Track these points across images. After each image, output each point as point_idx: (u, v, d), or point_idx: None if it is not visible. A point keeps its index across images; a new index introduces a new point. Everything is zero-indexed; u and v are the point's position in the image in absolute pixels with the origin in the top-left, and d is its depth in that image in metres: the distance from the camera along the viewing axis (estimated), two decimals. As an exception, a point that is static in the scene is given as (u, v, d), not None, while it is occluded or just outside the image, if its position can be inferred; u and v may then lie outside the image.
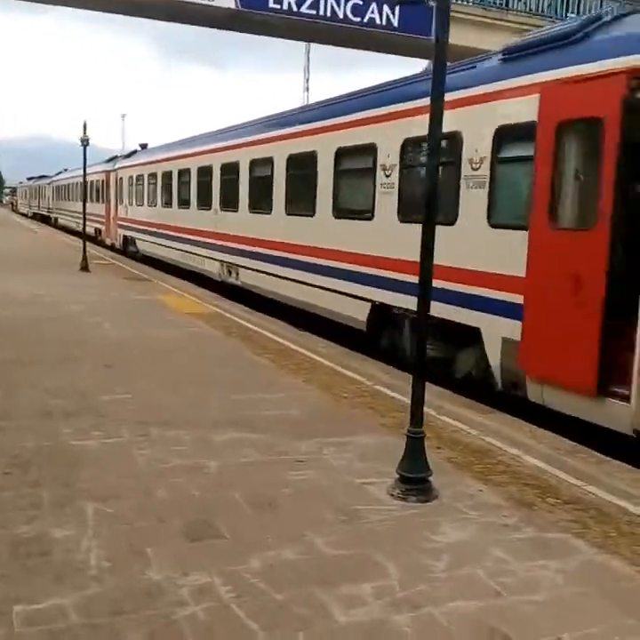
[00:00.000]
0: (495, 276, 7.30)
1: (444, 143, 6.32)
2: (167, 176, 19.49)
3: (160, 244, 20.32)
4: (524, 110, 6.93)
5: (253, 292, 13.99)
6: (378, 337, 9.77)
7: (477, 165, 7.60)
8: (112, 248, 26.85)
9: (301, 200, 11.69)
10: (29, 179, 70.36)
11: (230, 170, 14.74)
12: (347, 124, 10.46)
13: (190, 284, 16.85)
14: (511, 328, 6.97)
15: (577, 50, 6.57)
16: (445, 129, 4.73)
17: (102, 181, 28.57)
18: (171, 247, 19.33)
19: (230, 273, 15.19)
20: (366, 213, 9.81)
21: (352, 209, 10.45)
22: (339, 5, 22.45)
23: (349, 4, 22.58)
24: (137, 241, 23.54)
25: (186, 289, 15.73)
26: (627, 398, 5.73)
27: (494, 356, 7.34)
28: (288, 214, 12.26)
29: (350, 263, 10.14)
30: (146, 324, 10.62)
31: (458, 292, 7.77)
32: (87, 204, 24.03)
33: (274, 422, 5.98)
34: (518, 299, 6.86)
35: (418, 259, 4.66)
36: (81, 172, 21.46)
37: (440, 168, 5.08)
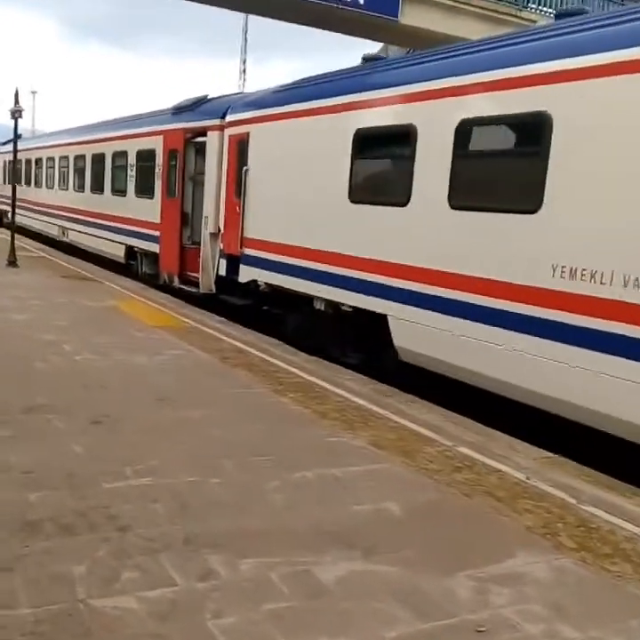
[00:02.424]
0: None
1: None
2: (28, 163, 25.73)
3: (26, 216, 25.16)
4: (151, 142, 14.83)
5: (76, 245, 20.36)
6: (128, 264, 16.50)
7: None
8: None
9: (96, 184, 18.43)
10: None
11: (63, 161, 21.50)
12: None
13: (140, 284, 14.55)
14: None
15: (176, 117, 14.15)
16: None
17: None
18: (29, 216, 25.15)
19: (63, 233, 21.52)
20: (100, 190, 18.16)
21: (92, 187, 18.87)
22: (303, -23, 20.46)
23: (314, -23, 20.61)
24: (10, 214, 29.18)
25: (136, 291, 13.42)
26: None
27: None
28: (92, 193, 18.86)
29: (112, 222, 17.14)
30: (116, 345, 8.36)
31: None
32: None
33: (380, 531, 4.02)
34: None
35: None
36: None
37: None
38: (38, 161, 24.46)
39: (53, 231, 22.50)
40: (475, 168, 7.38)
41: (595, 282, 5.82)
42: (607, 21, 6.24)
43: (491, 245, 6.88)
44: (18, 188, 26.71)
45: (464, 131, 7.22)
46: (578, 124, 6.08)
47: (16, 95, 15.01)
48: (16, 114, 15.06)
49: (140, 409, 6.00)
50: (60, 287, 13.07)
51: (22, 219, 25.66)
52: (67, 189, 21.08)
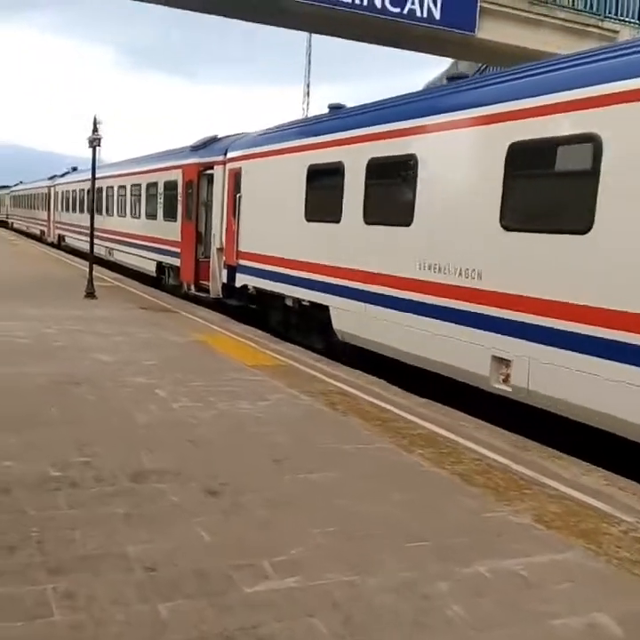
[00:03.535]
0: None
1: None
2: (83, 192, 28.36)
3: (79, 239, 28.45)
4: (174, 174, 17.57)
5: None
6: (160, 278, 19.22)
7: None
8: (54, 245, 34.61)
9: (135, 210, 21.70)
10: None
11: (110, 191, 24.83)
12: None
13: (220, 315, 13.97)
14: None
15: (193, 154, 16.81)
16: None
17: (46, 194, 37.36)
18: (81, 239, 27.32)
19: (110, 253, 24.55)
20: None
21: (131, 213, 22.14)
22: (376, -6, 19.78)
23: (388, -7, 19.92)
24: (66, 237, 32.73)
25: (218, 323, 12.83)
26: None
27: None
28: (131, 218, 22.01)
29: (146, 242, 19.95)
30: (213, 390, 7.67)
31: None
32: (32, 211, 42.82)
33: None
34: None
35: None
36: (32, 185, 39.07)
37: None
38: (88, 191, 27.37)
39: (101, 251, 24.97)
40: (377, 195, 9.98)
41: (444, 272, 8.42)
42: None
43: (385, 249, 9.53)
44: (71, 214, 32.06)
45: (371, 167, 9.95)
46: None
47: (94, 123, 14.72)
48: (94, 142, 14.75)
49: (258, 473, 5.22)
50: (140, 320, 12.55)
51: (74, 241, 30.58)
52: (112, 215, 24.42)
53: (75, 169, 33.95)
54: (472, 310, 7.90)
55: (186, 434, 6.06)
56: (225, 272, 14.57)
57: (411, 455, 5.88)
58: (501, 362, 7.50)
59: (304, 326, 12.01)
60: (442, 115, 8.66)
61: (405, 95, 10.21)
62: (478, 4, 21.69)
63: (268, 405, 7.26)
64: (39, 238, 39.87)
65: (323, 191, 11.20)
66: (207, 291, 15.40)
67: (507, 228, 7.49)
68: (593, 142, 6.59)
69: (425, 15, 20.82)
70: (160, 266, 19.21)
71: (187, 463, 5.32)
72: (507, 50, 22.84)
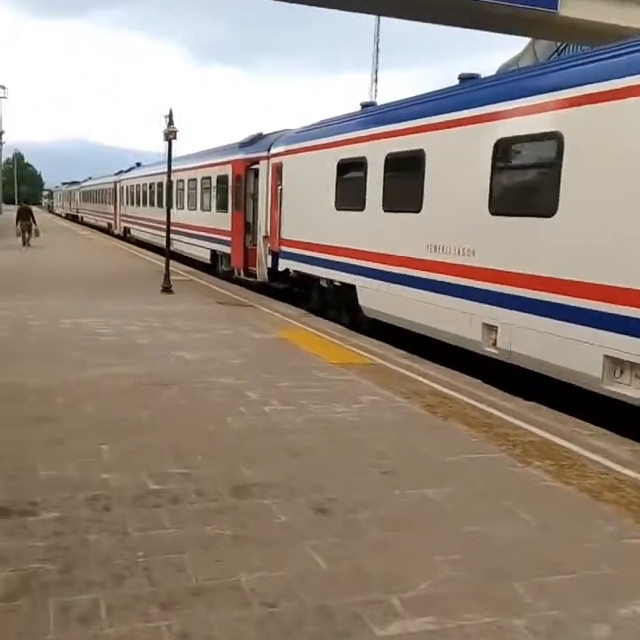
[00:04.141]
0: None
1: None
2: (146, 186, 30.77)
3: (140, 230, 32.06)
4: (225, 169, 18.94)
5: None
6: (214, 265, 20.49)
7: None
8: (120, 237, 36.79)
9: (191, 202, 22.92)
10: (63, 183, 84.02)
11: (159, 186, 27.03)
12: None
13: (298, 310, 13.66)
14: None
15: (241, 150, 18.10)
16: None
17: (112, 189, 39.57)
18: (145, 231, 30.80)
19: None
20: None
21: (188, 206, 23.04)
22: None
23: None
24: (131, 230, 34.55)
25: (297, 317, 12.52)
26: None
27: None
28: (188, 210, 22.91)
29: (202, 232, 21.27)
30: (303, 391, 7.32)
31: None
32: (100, 205, 45.86)
33: None
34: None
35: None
36: (99, 181, 43.31)
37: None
38: (151, 186, 30.08)
39: (162, 242, 27.48)
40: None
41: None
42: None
43: (401, 234, 10.74)
44: (133, 207, 34.13)
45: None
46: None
47: (170, 115, 14.56)
48: (170, 135, 14.59)
49: (366, 488, 4.83)
50: (219, 315, 12.34)
51: (138, 233, 32.83)
52: (171, 208, 25.89)
53: (138, 165, 36.29)
54: (467, 285, 9.18)
55: (283, 441, 5.71)
56: (269, 258, 15.93)
57: (528, 467, 5.38)
58: (491, 328, 8.84)
59: (337, 305, 13.23)
60: (444, 114, 9.77)
61: (418, 96, 11.30)
62: (561, -20, 20.74)
63: (363, 408, 6.87)
64: (107, 231, 42.16)
65: (350, 183, 12.33)
66: (254, 275, 17.02)
67: (493, 213, 8.75)
68: (556, 139, 7.73)
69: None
70: (214, 254, 20.56)
71: (289, 475, 4.97)
72: (589, 27, 21.78)
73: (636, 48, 7.14)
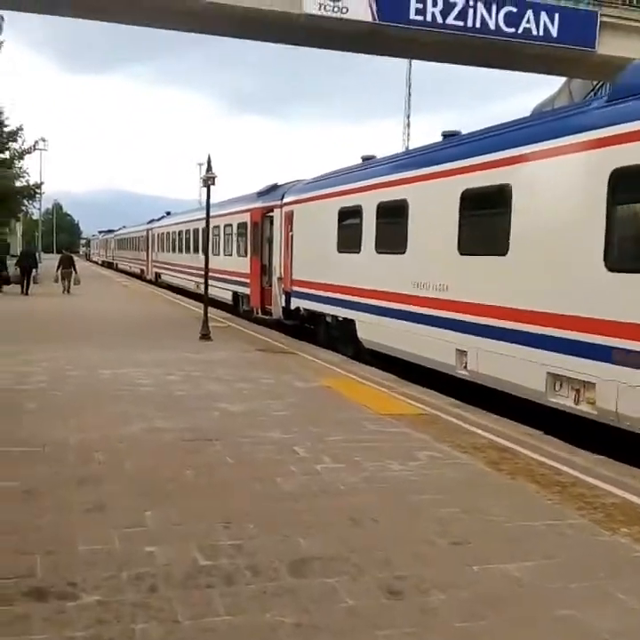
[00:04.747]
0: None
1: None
2: (175, 234, 32.79)
3: (171, 275, 33.80)
4: (244, 217, 20.82)
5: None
6: (235, 306, 21.95)
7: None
8: (152, 282, 38.44)
9: (214, 248, 23.27)
10: (100, 232, 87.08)
11: (196, 233, 28.09)
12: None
13: (340, 356, 13.25)
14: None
15: (258, 199, 20.01)
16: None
17: (144, 237, 42.11)
18: (175, 276, 32.81)
19: (197, 286, 25.19)
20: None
21: (212, 251, 20.19)
22: (490, 14, 18.89)
23: (502, 13, 19.01)
24: (162, 275, 36.58)
25: (339, 364, 12.12)
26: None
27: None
28: (212, 256, 20.11)
29: (225, 275, 22.45)
30: (355, 446, 6.85)
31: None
32: (133, 252, 48.93)
33: None
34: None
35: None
36: (133, 229, 46.35)
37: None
38: (179, 233, 32.02)
39: (191, 286, 28.70)
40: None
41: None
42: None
43: (390, 272, 12.07)
44: (164, 253, 36.15)
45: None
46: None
47: (208, 162, 14.46)
48: (209, 181, 14.48)
49: (439, 563, 4.32)
50: (260, 363, 11.98)
51: (168, 277, 34.65)
52: (198, 253, 26.97)
53: (168, 213, 38.92)
54: (442, 316, 10.42)
55: (338, 505, 5.24)
56: (283, 297, 17.45)
57: (615, 535, 4.83)
58: (462, 353, 9.98)
59: (341, 338, 14.39)
60: (423, 168, 11.35)
61: (402, 152, 13.90)
62: (599, 19, 20.48)
63: (421, 466, 6.37)
64: (139, 276, 44.08)
65: (348, 228, 13.73)
66: (271, 313, 18.57)
67: (462, 253, 10.06)
68: (507, 189, 9.10)
69: (541, 33, 19.83)
70: (235, 295, 22.33)
71: (350, 546, 4.49)
72: (625, 65, 21.40)
73: (561, 115, 8.98)
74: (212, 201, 15.34)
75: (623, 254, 7.51)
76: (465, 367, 9.91)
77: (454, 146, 10.93)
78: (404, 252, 11.58)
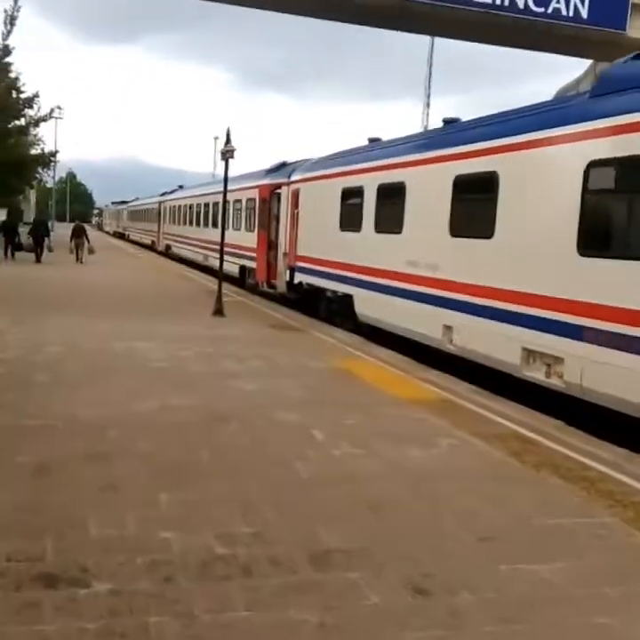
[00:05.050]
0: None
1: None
2: (187, 207, 33.06)
3: (180, 247, 34.32)
4: (253, 193, 20.97)
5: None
6: (242, 278, 22.10)
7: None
8: (162, 254, 39.17)
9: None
10: (113, 203, 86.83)
11: (206, 207, 28.57)
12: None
13: (356, 337, 13.03)
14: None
15: (267, 176, 20.29)
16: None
17: (156, 209, 42.58)
18: (183, 248, 33.62)
19: (206, 259, 27.98)
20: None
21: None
22: (519, -8, 18.39)
23: (531, -8, 18.50)
24: (172, 247, 37.05)
25: (355, 345, 11.92)
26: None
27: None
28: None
29: (233, 248, 20.83)
30: (373, 431, 6.66)
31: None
32: (145, 224, 49.71)
33: None
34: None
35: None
36: (145, 201, 47.90)
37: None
38: (190, 207, 32.44)
39: (199, 258, 29.41)
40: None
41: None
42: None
43: (387, 251, 12.55)
44: (175, 226, 36.64)
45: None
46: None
47: (228, 134, 14.17)
48: (227, 154, 14.19)
49: (466, 561, 4.13)
50: (273, 341, 11.78)
51: (178, 250, 35.08)
52: (207, 227, 27.84)
53: (181, 187, 39.45)
54: (432, 293, 10.98)
55: (359, 493, 5.05)
56: (287, 272, 17.78)
57: (648, 537, 4.62)
58: (449, 328, 10.58)
59: (340, 313, 14.75)
60: (422, 153, 11.79)
61: (401, 137, 13.71)
62: (630, 0, 19.89)
63: (442, 454, 6.18)
64: (150, 247, 44.87)
65: (351, 208, 14.07)
66: (275, 287, 19.01)
67: (453, 236, 10.57)
68: (494, 176, 9.64)
69: (571, 14, 19.27)
70: (242, 268, 22.42)
71: (372, 538, 4.31)
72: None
73: (548, 108, 9.28)
74: (221, 177, 15.06)
75: (594, 241, 7.97)
76: (452, 342, 10.54)
77: (449, 133, 11.48)
78: (400, 233, 12.09)
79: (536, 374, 8.78)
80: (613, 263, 7.64)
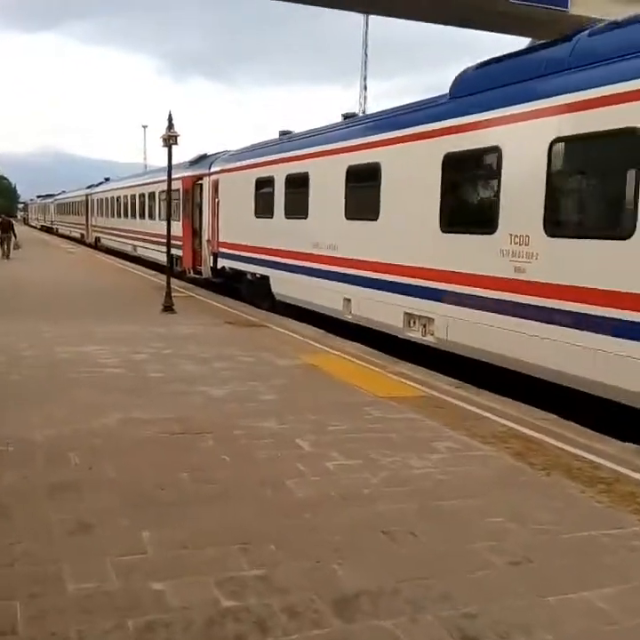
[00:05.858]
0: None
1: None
2: (115, 199, 33.73)
3: (110, 239, 35.27)
4: (177, 184, 18.61)
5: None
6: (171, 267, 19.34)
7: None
8: (91, 246, 39.84)
9: (151, 213, 26.51)
10: (38, 196, 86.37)
11: (133, 198, 29.54)
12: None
13: (312, 328, 12.47)
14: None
15: (189, 168, 20.98)
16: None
17: (83, 202, 43.13)
18: (112, 239, 34.35)
19: (135, 249, 28.98)
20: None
21: (149, 216, 26.88)
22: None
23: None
24: (101, 239, 37.80)
25: (317, 339, 11.36)
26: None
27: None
28: (149, 220, 26.65)
29: (161, 238, 19.45)
30: (361, 436, 6.12)
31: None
32: (73, 217, 49.47)
33: None
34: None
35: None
36: (72, 194, 47.22)
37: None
38: (118, 199, 32.92)
39: (128, 248, 30.23)
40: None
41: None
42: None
43: (295, 234, 13.82)
44: (103, 218, 37.02)
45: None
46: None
47: (169, 119, 13.32)
48: (170, 140, 13.35)
49: (506, 593, 3.61)
50: (233, 339, 11.11)
51: (107, 241, 35.93)
52: (136, 218, 28.86)
53: (107, 179, 40.11)
54: (333, 270, 12.37)
55: (366, 517, 4.48)
56: (211, 258, 18.90)
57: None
58: (348, 301, 11.94)
59: (259, 293, 15.82)
60: (322, 145, 13.01)
61: (308, 131, 14.74)
62: (572, -22, 19.82)
63: (444, 460, 5.67)
64: (79, 240, 44.89)
65: (264, 196, 15.29)
66: (200, 273, 19.99)
67: (347, 218, 12.05)
68: (377, 167, 10.99)
69: (514, -9, 19.03)
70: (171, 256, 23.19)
71: (396, 574, 3.75)
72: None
73: (414, 108, 10.78)
74: (152, 168, 14.29)
75: (450, 220, 9.44)
76: (351, 312, 11.92)
77: (344, 128, 12.96)
78: (306, 218, 13.34)
79: (415, 334, 10.25)
80: (463, 237, 9.23)
